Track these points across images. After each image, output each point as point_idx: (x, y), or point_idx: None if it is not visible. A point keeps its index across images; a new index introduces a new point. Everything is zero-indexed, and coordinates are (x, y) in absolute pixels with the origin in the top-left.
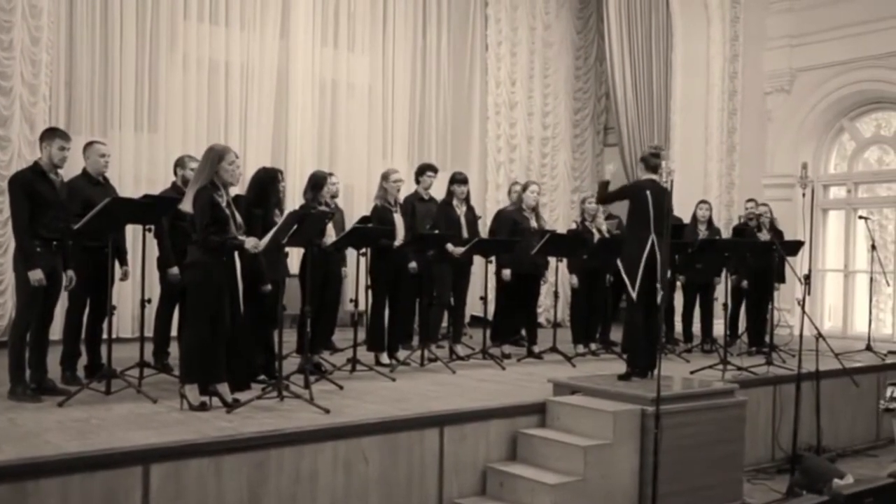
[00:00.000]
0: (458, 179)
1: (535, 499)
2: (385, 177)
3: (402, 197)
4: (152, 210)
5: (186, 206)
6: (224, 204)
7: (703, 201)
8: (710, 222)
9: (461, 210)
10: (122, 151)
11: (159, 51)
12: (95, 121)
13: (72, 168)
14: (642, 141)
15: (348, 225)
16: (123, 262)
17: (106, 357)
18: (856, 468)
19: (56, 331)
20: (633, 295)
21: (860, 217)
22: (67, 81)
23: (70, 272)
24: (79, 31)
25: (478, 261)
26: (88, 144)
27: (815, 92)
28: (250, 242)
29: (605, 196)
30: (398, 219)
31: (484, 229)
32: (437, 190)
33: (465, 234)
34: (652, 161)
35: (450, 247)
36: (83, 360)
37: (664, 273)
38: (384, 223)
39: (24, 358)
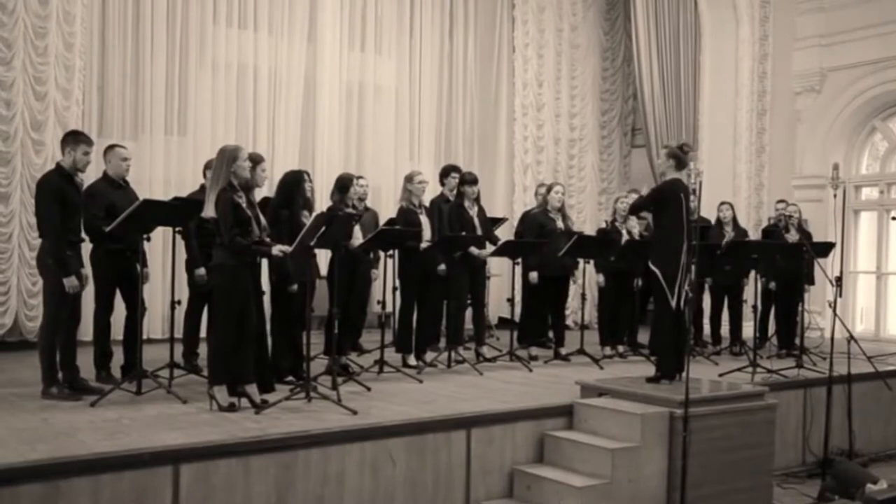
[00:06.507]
0: (469, 180)
1: (562, 501)
2: (409, 179)
3: (426, 198)
4: (182, 212)
5: (209, 211)
6: (245, 204)
7: (723, 202)
8: (735, 222)
9: (473, 211)
10: (152, 154)
11: (189, 55)
12: (126, 124)
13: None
14: (672, 141)
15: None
16: (143, 264)
17: (138, 358)
18: (889, 473)
19: (87, 332)
20: (673, 304)
21: (893, 218)
22: (100, 86)
23: (84, 270)
24: (111, 36)
25: (504, 262)
26: (109, 148)
27: (846, 92)
28: (276, 249)
29: (636, 207)
30: (424, 220)
31: (510, 231)
32: None
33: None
34: (684, 159)
35: (474, 250)
36: (119, 360)
37: (690, 276)
38: (410, 225)
39: (56, 359)
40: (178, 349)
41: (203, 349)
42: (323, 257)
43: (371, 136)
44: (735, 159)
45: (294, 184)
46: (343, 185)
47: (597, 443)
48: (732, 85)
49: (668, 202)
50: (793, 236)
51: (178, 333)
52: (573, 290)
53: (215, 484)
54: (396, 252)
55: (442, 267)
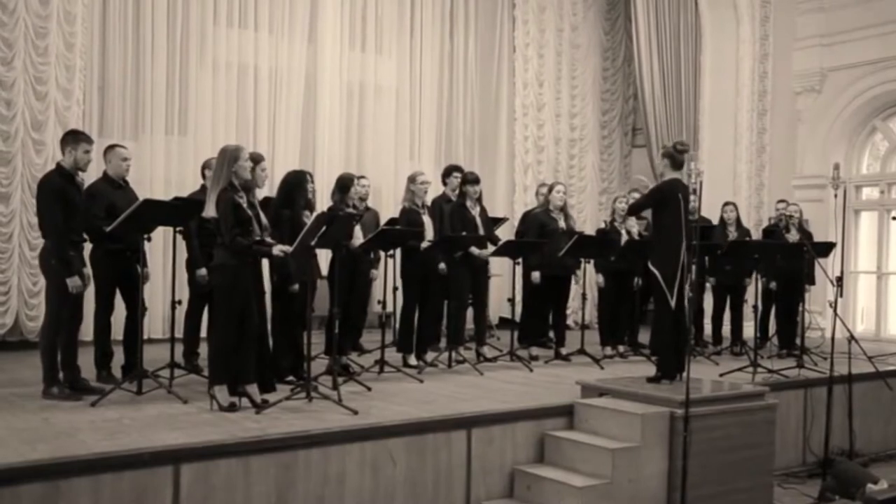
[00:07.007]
0: (471, 179)
1: (562, 501)
2: (412, 179)
3: (429, 199)
4: (182, 212)
5: (210, 211)
6: (245, 204)
7: (727, 203)
8: (738, 223)
9: (475, 211)
10: (152, 154)
11: (189, 55)
12: (127, 124)
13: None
14: (671, 142)
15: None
16: (143, 265)
17: (138, 358)
18: (889, 473)
19: (87, 332)
20: (672, 303)
21: (893, 218)
22: (100, 86)
23: (86, 270)
24: (111, 36)
25: (505, 262)
26: (110, 148)
27: (847, 91)
28: (277, 249)
29: (635, 207)
30: (427, 220)
31: (511, 231)
32: None
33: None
34: (679, 158)
35: (475, 250)
36: (120, 361)
37: (689, 275)
38: (413, 225)
39: (57, 359)
40: (179, 349)
41: (203, 349)
42: (324, 257)
43: (371, 136)
44: (735, 159)
45: (296, 184)
46: (344, 184)
47: (597, 443)
48: (733, 85)
49: (667, 202)
50: (793, 236)
51: (179, 333)
52: (574, 289)
53: (215, 484)
54: (398, 252)
55: (441, 266)
